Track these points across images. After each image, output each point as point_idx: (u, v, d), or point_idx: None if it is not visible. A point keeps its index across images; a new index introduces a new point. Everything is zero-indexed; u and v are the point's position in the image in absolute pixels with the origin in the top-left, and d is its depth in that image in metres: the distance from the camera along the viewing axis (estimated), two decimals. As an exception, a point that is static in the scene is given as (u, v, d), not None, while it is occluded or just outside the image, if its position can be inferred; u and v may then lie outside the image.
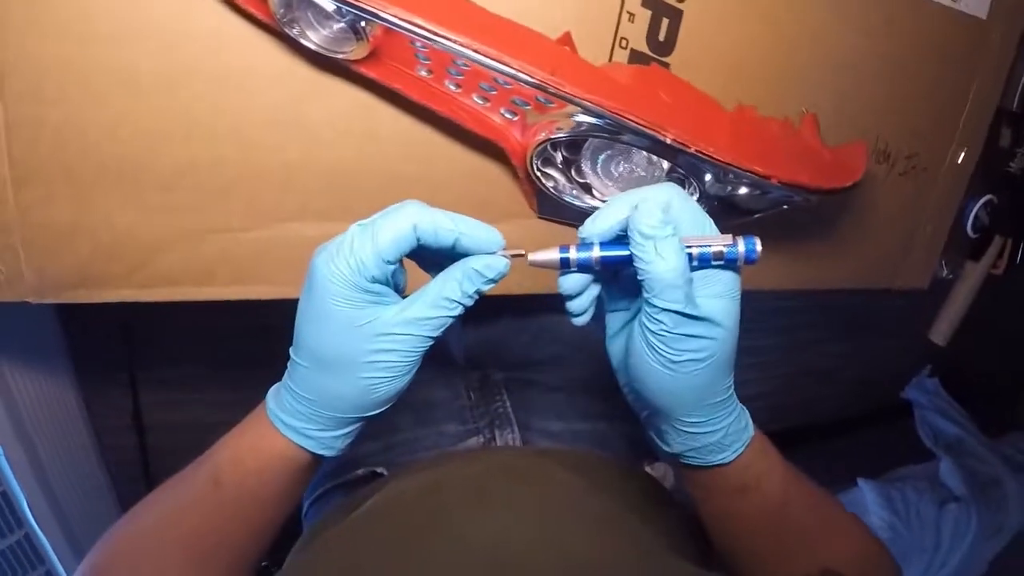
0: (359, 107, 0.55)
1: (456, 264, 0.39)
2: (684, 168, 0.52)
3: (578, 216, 0.61)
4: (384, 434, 0.64)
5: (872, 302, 1.81)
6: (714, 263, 0.38)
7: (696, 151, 0.48)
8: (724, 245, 0.38)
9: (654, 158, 0.54)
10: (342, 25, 0.46)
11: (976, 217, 0.84)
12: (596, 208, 0.57)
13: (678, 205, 0.38)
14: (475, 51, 0.43)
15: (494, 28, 0.45)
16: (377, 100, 0.55)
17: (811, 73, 0.68)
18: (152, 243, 0.55)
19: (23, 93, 0.50)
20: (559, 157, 0.54)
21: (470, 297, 0.39)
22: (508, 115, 0.52)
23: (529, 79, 0.44)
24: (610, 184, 0.57)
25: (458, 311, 0.39)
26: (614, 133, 0.50)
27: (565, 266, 0.40)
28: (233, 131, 0.53)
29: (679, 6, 0.59)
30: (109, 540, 0.46)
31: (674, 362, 0.38)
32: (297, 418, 0.41)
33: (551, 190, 0.57)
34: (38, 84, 0.50)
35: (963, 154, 0.80)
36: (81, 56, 0.50)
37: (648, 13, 0.58)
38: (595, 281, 0.42)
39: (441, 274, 0.40)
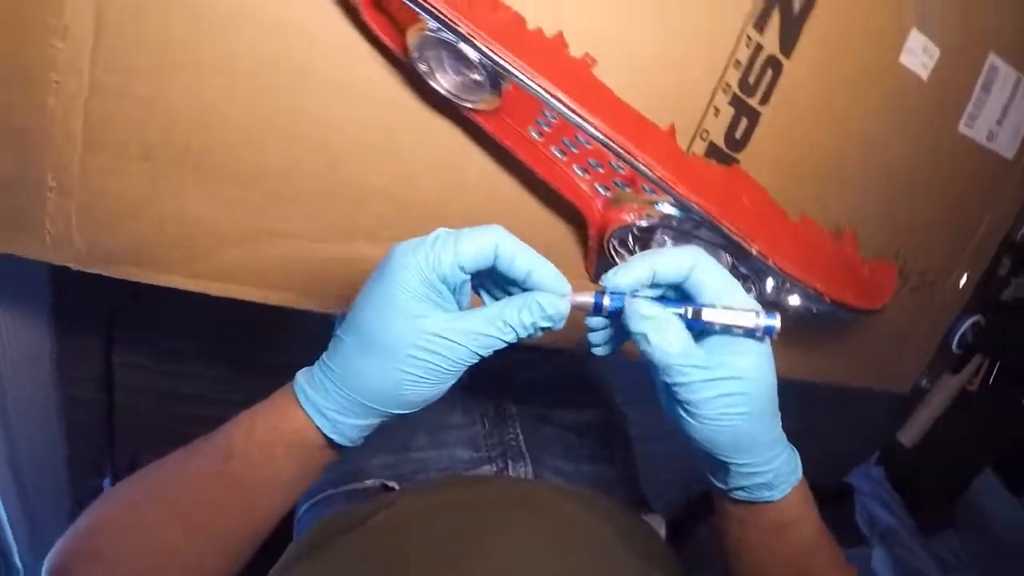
0: (455, 148, 0.56)
1: (522, 294, 0.41)
2: (748, 270, 0.55)
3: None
4: (398, 450, 0.64)
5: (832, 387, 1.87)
6: (735, 332, 0.40)
7: (773, 263, 0.51)
8: (743, 323, 0.39)
9: (721, 252, 0.56)
10: (477, 77, 0.47)
11: (963, 335, 0.90)
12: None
13: (702, 269, 0.40)
14: (608, 137, 0.45)
15: (621, 114, 0.46)
16: (473, 144, 0.56)
17: (857, 183, 0.72)
18: (218, 236, 0.54)
19: (116, 60, 0.49)
20: (631, 238, 0.57)
21: (525, 328, 0.40)
22: (601, 190, 0.54)
23: (650, 174, 0.46)
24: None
25: (511, 337, 0.40)
26: (696, 227, 0.52)
27: (597, 311, 0.42)
28: (323, 144, 0.53)
29: (759, 108, 0.62)
30: (110, 500, 0.45)
31: (709, 418, 0.40)
32: (322, 395, 0.41)
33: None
34: (133, 53, 0.49)
35: (966, 276, 0.86)
36: (187, 34, 0.49)
37: (731, 111, 0.61)
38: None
39: (505, 299, 0.41)
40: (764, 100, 0.64)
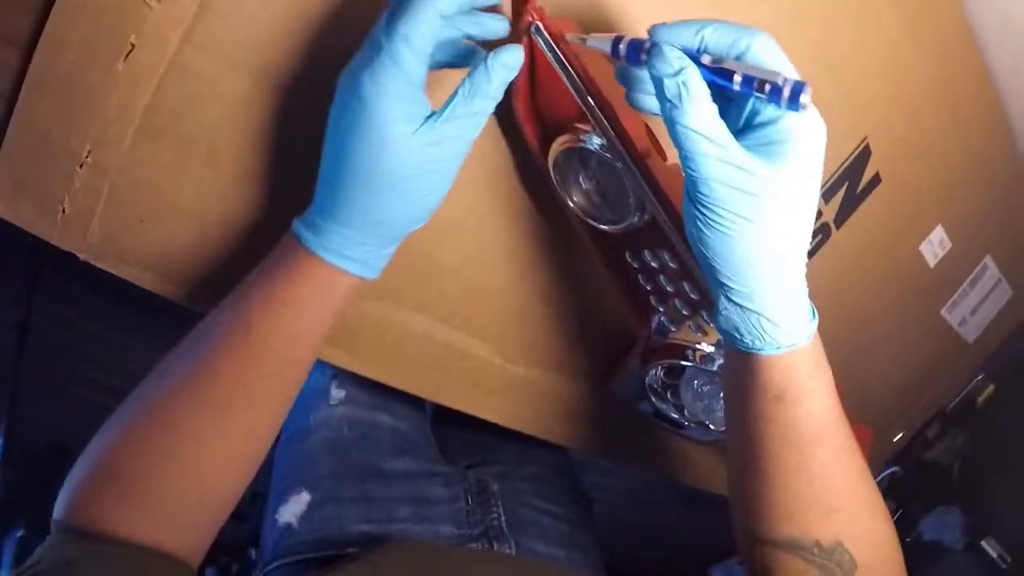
0: (534, 239, 0.54)
1: (481, 62, 0.38)
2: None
3: (647, 408, 0.64)
4: (381, 520, 0.61)
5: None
6: (756, 94, 0.33)
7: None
8: (770, 81, 0.32)
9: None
10: (618, 201, 0.45)
11: (882, 479, 0.98)
12: (672, 417, 0.62)
13: (760, 51, 0.34)
14: None
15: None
16: (552, 241, 0.54)
17: (841, 350, 0.77)
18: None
19: (213, 43, 0.42)
20: (660, 380, 0.58)
21: (501, 85, 0.38)
22: (655, 302, 0.54)
23: None
24: (699, 409, 0.60)
25: (493, 104, 0.38)
26: None
27: (615, 55, 0.37)
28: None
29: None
30: (124, 416, 0.41)
31: (709, 209, 0.35)
32: (344, 244, 0.40)
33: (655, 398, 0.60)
34: (236, 44, 0.43)
35: (899, 436, 0.94)
36: (302, 43, 0.44)
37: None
38: None
39: (469, 75, 0.38)
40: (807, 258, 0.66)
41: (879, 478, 0.96)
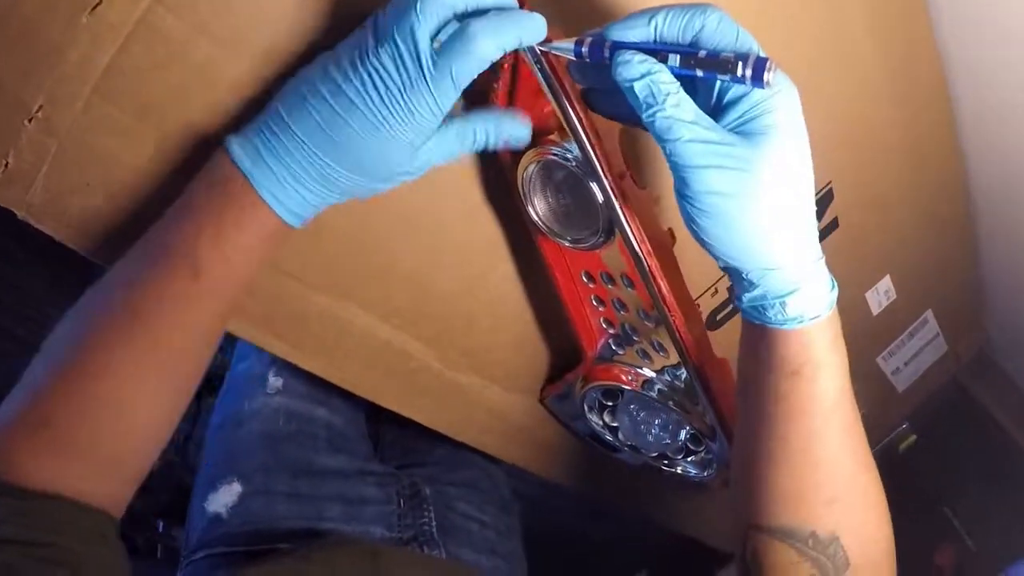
0: (493, 248, 0.54)
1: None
2: (714, 453, 0.59)
3: (580, 427, 0.65)
4: (310, 518, 0.60)
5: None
6: (721, 78, 0.35)
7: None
8: (733, 60, 0.33)
9: (682, 427, 0.60)
10: (582, 216, 0.46)
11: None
12: (606, 439, 0.63)
13: (713, 31, 0.34)
14: (674, 318, 0.47)
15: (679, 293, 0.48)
16: (507, 249, 0.55)
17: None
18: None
19: (188, 6, 0.41)
20: (597, 403, 0.59)
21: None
22: (605, 324, 0.56)
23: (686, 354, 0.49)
24: (634, 434, 0.62)
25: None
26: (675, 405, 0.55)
27: (579, 57, 0.38)
28: (381, 206, 0.48)
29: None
30: (53, 357, 0.39)
31: (693, 192, 0.36)
32: (291, 197, 0.39)
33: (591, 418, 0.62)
34: (211, 12, 0.41)
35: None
36: (284, 20, 0.42)
37: (725, 296, 0.65)
38: None
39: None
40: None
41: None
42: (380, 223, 0.50)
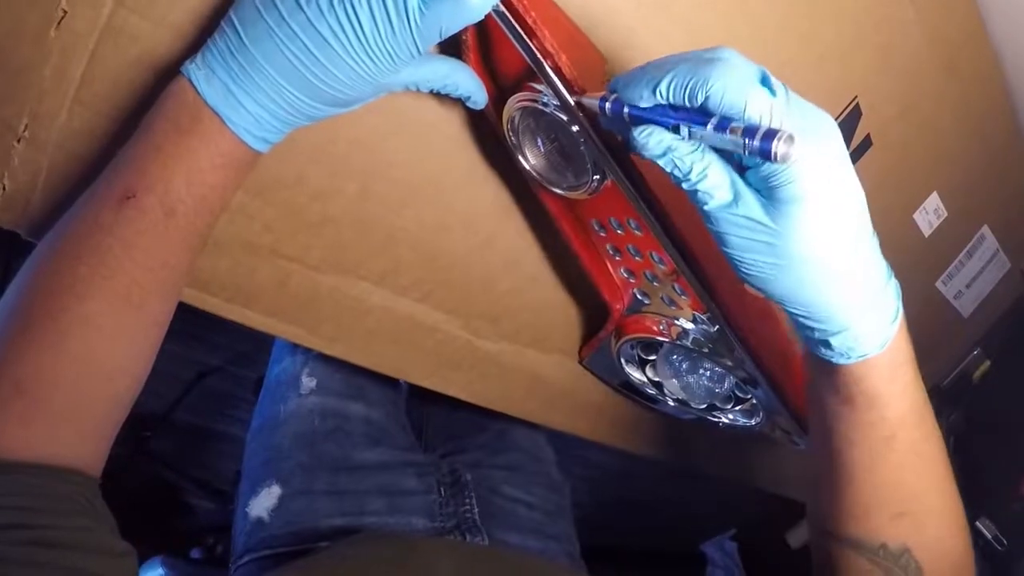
0: (496, 208, 0.52)
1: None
2: (759, 400, 0.56)
3: (623, 385, 0.63)
4: (352, 513, 0.61)
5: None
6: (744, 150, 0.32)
7: (792, 409, 0.52)
8: (739, 137, 0.31)
9: (727, 376, 0.57)
10: (573, 165, 0.44)
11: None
12: (649, 393, 0.61)
13: (719, 95, 0.31)
14: (690, 263, 0.44)
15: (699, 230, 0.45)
16: (515, 208, 0.53)
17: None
18: (210, 241, 0.47)
19: (151, 6, 0.41)
20: (637, 356, 0.57)
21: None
22: (625, 274, 0.53)
23: (725, 320, 0.47)
24: (678, 387, 0.60)
25: None
26: (710, 353, 0.53)
27: (602, 113, 0.37)
28: (362, 171, 0.48)
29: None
30: (17, 313, 0.37)
31: (736, 258, 0.36)
32: (257, 125, 0.38)
33: (631, 374, 0.59)
34: (172, 6, 0.41)
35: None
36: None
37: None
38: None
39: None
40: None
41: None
42: (376, 196, 0.49)
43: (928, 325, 0.87)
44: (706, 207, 0.35)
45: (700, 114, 0.32)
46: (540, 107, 0.41)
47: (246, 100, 0.37)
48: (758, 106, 0.31)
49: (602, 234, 0.50)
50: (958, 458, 0.95)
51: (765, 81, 0.32)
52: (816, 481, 0.46)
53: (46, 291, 0.37)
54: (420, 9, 0.34)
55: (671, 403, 0.61)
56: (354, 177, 0.48)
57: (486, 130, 0.49)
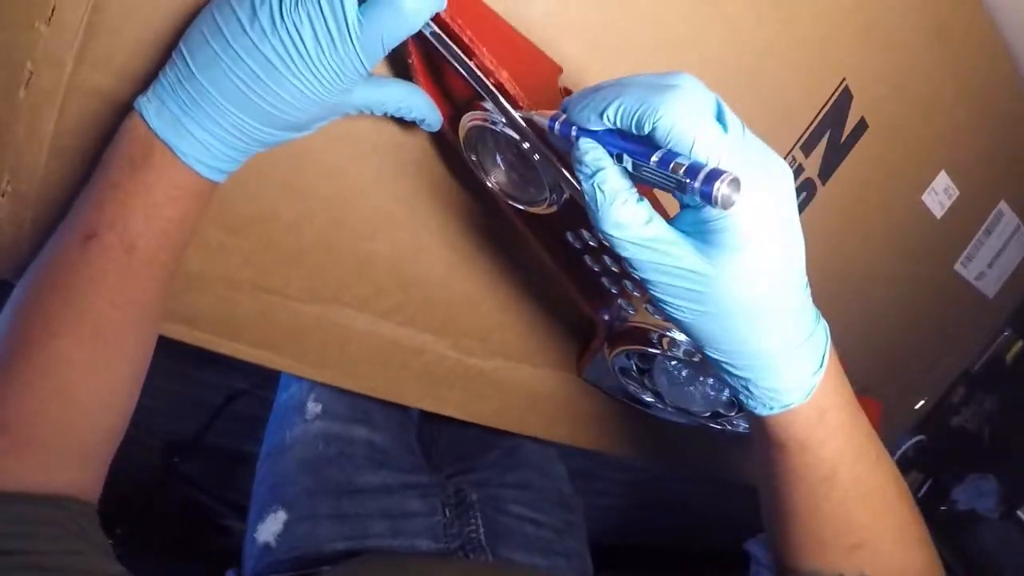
0: (472, 226, 0.52)
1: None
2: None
3: (623, 395, 0.62)
4: (355, 537, 0.61)
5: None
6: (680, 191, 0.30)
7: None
8: (681, 176, 0.28)
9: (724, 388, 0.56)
10: (534, 179, 0.44)
11: (904, 452, 0.94)
12: (649, 402, 0.60)
13: (668, 126, 0.29)
14: None
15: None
16: (490, 225, 0.53)
17: (844, 318, 0.74)
18: (191, 278, 0.49)
19: (107, 60, 0.42)
20: (634, 367, 0.56)
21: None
22: (625, 306, 0.52)
23: None
24: (677, 395, 0.59)
25: None
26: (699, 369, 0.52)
27: (551, 131, 0.36)
28: (333, 198, 0.49)
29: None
30: (9, 342, 0.38)
31: (659, 300, 0.34)
32: (207, 154, 0.38)
33: (629, 384, 0.58)
34: (129, 57, 0.42)
35: (922, 403, 0.90)
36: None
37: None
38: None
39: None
40: (791, 223, 0.63)
41: (903, 448, 0.92)
42: (347, 223, 0.50)
43: (949, 311, 0.83)
44: (624, 253, 0.33)
45: (647, 145, 0.31)
46: (491, 125, 0.41)
47: (195, 129, 0.37)
48: (707, 143, 0.29)
49: (577, 245, 0.49)
50: (995, 445, 0.92)
51: (720, 115, 0.30)
52: (767, 518, 0.45)
53: (20, 332, 0.38)
54: (359, 21, 0.34)
55: (671, 411, 0.60)
56: (324, 206, 0.49)
57: (450, 150, 0.49)
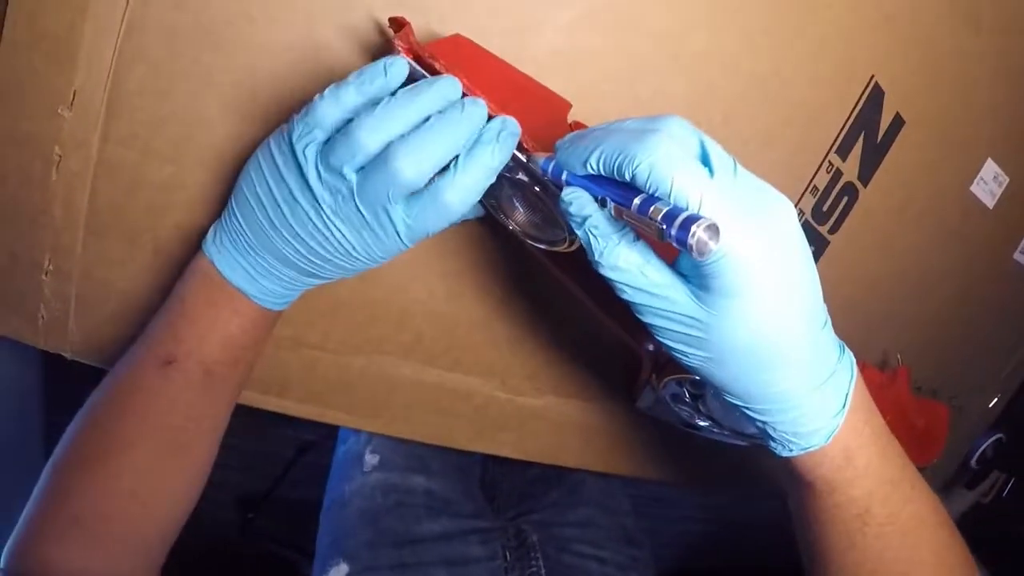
0: (504, 267, 0.50)
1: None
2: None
3: (679, 422, 0.58)
4: None
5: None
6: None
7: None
8: (658, 221, 0.26)
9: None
10: (554, 219, 0.40)
11: (983, 451, 0.86)
12: (703, 425, 0.56)
13: (642, 181, 0.27)
14: None
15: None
16: (524, 265, 0.50)
17: (905, 316, 0.68)
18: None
19: (131, 137, 0.42)
20: (685, 393, 0.51)
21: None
22: None
23: None
24: (731, 419, 0.54)
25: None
26: None
27: (544, 174, 0.34)
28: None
29: (828, 238, 0.57)
30: (66, 462, 0.40)
31: (670, 350, 0.32)
32: (275, 294, 0.40)
33: (682, 411, 0.54)
34: (152, 132, 0.42)
35: (996, 399, 0.82)
36: (217, 121, 0.42)
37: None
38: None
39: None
40: (834, 229, 0.58)
41: (982, 448, 0.84)
42: (378, 276, 0.47)
43: (1013, 303, 0.76)
44: (619, 288, 0.31)
45: (634, 190, 0.28)
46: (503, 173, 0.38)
47: (262, 279, 0.39)
48: (687, 186, 0.27)
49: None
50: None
51: (705, 158, 0.28)
52: (804, 554, 0.42)
53: (98, 438, 0.40)
54: (406, 224, 0.34)
55: (728, 434, 0.55)
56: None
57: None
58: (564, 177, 0.32)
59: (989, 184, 0.67)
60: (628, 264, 0.30)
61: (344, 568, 0.59)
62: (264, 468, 1.28)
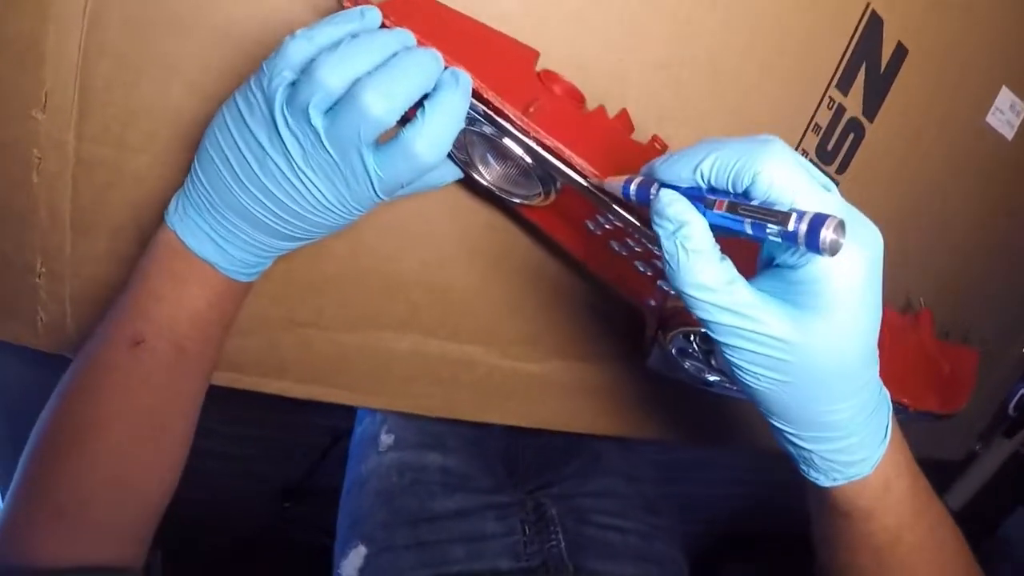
0: (493, 229, 0.47)
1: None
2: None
3: (690, 379, 0.55)
4: (434, 564, 0.57)
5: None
6: (771, 239, 0.26)
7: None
8: (779, 221, 0.25)
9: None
10: (526, 171, 0.38)
11: (1020, 398, 0.81)
12: (713, 380, 0.53)
13: (769, 178, 0.26)
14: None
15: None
16: (513, 225, 0.47)
17: (925, 255, 0.64)
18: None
19: (104, 132, 0.41)
20: (694, 347, 0.48)
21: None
22: (664, 286, 0.46)
23: None
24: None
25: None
26: None
27: (626, 197, 0.33)
28: (365, 226, 0.45)
29: (835, 178, 0.53)
30: (41, 453, 0.38)
31: (735, 368, 0.30)
32: (246, 266, 0.38)
33: (691, 366, 0.51)
34: (124, 126, 0.41)
35: (1029, 343, 0.77)
36: (184, 106, 0.41)
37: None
38: None
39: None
40: (842, 169, 0.54)
41: (1018, 395, 0.79)
42: (367, 247, 0.46)
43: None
44: (703, 315, 0.29)
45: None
46: (470, 127, 0.36)
47: (228, 246, 0.37)
48: (809, 195, 0.26)
49: (598, 233, 0.43)
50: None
51: (814, 175, 0.27)
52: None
53: (72, 423, 0.38)
54: (377, 174, 0.33)
55: (736, 389, 0.52)
56: (338, 235, 0.45)
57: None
58: (653, 191, 0.30)
59: (1006, 114, 0.62)
60: (716, 282, 0.28)
61: (363, 550, 0.58)
62: (299, 458, 1.29)
